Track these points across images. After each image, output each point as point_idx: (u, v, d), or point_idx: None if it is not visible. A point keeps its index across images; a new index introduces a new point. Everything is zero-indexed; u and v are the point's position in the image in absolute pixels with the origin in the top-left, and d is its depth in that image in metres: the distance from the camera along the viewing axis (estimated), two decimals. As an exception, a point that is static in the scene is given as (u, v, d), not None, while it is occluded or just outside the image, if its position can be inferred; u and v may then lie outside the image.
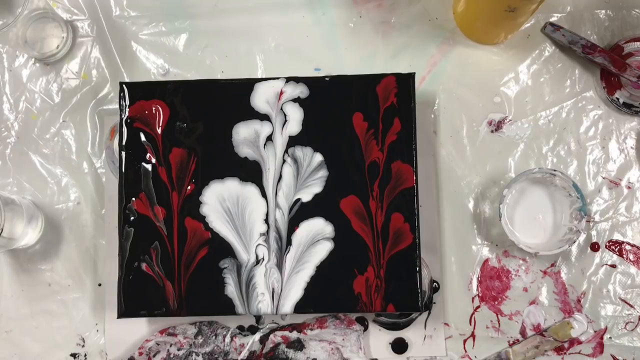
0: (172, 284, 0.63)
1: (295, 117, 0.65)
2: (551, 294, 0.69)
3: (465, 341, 0.69)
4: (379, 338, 0.69)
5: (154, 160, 0.65)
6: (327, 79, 0.66)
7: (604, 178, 0.71)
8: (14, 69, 0.74)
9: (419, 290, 0.63)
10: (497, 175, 0.71)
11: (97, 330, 0.70)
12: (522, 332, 0.69)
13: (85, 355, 0.70)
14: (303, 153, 0.65)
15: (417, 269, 0.63)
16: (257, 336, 0.68)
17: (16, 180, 0.72)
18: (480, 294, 0.69)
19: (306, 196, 0.64)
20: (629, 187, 0.71)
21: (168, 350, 0.68)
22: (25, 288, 0.71)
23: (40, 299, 0.70)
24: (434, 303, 0.69)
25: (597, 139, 0.71)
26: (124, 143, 0.65)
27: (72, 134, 0.73)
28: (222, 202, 0.64)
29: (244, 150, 0.65)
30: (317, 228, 0.64)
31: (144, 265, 0.64)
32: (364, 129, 0.65)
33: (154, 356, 0.68)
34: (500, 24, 0.68)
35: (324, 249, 0.64)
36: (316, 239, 0.64)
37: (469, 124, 0.72)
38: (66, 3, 0.74)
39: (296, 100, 0.65)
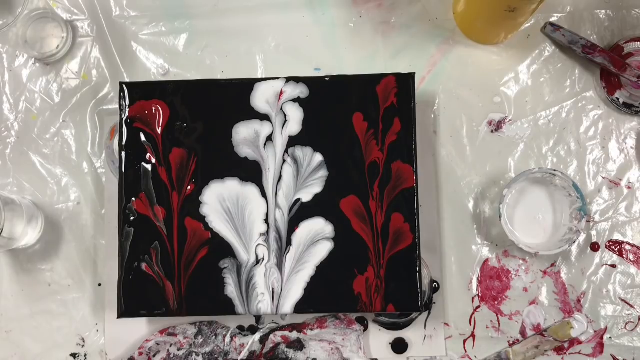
0: (172, 284, 0.63)
1: (295, 117, 0.65)
2: (551, 294, 0.69)
3: (465, 341, 0.69)
4: (379, 338, 0.69)
5: (154, 160, 0.65)
6: (327, 79, 0.66)
7: (604, 178, 0.71)
8: (14, 69, 0.74)
9: (419, 290, 0.63)
10: (497, 175, 0.71)
11: (97, 330, 0.70)
12: (522, 332, 0.69)
13: (85, 355, 0.70)
14: (303, 153, 0.65)
15: (417, 269, 0.63)
16: (257, 336, 0.68)
17: (16, 180, 0.72)
18: (480, 294, 0.69)
19: (306, 196, 0.64)
20: (629, 187, 0.71)
21: (168, 350, 0.68)
22: (25, 288, 0.71)
23: (40, 299, 0.70)
24: (434, 303, 0.69)
25: (597, 139, 0.71)
26: (124, 143, 0.65)
27: (72, 134, 0.73)
28: (222, 202, 0.64)
29: (244, 150, 0.65)
30: (317, 228, 0.64)
31: (144, 265, 0.64)
32: (364, 129, 0.65)
33: (154, 356, 0.68)
34: (500, 24, 0.68)
35: (324, 249, 0.64)
36: (316, 239, 0.64)
37: (469, 124, 0.72)
38: (66, 3, 0.74)
39: (296, 100, 0.65)
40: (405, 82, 0.65)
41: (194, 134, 0.65)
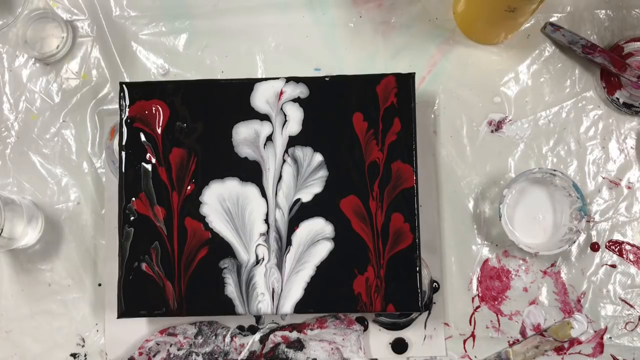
0: (172, 284, 0.63)
1: (295, 117, 0.65)
2: (551, 294, 0.69)
3: (465, 341, 0.69)
4: (379, 338, 0.69)
5: (154, 160, 0.65)
6: (327, 79, 0.66)
7: (604, 178, 0.71)
8: (14, 69, 0.74)
9: (419, 290, 0.63)
10: (497, 175, 0.71)
11: (97, 330, 0.70)
12: (522, 332, 0.69)
13: (85, 355, 0.70)
14: (303, 153, 0.65)
15: (417, 269, 0.63)
16: (257, 336, 0.68)
17: (16, 180, 0.72)
18: (480, 294, 0.69)
19: (306, 196, 0.64)
20: (629, 187, 0.71)
21: (168, 350, 0.68)
22: (25, 288, 0.71)
23: (40, 299, 0.70)
24: (434, 303, 0.69)
25: (597, 139, 0.71)
26: (124, 143, 0.65)
27: (72, 134, 0.73)
28: (222, 202, 0.64)
29: (244, 150, 0.65)
30: (317, 228, 0.64)
31: (144, 265, 0.64)
32: (364, 129, 0.65)
33: (154, 356, 0.68)
34: (500, 24, 0.68)
35: (324, 249, 0.64)
36: (316, 239, 0.64)
37: (469, 124, 0.72)
38: (66, 3, 0.74)
39: (296, 100, 0.65)
40: (405, 82, 0.65)
41: (194, 134, 0.65)
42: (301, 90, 0.66)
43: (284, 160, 0.65)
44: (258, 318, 0.69)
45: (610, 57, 0.70)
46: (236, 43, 0.74)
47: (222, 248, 0.64)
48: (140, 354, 0.68)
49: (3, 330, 0.70)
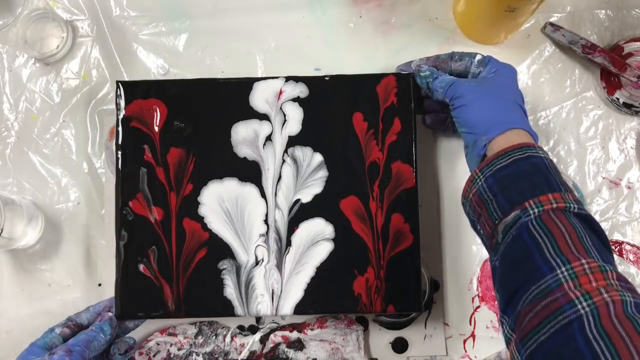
0: (170, 285, 0.63)
1: (295, 117, 0.65)
2: (551, 294, 0.69)
3: (465, 341, 0.69)
4: (379, 338, 0.69)
5: (151, 161, 0.64)
6: (327, 78, 0.66)
7: (604, 178, 0.71)
8: (14, 69, 0.74)
9: (419, 290, 0.63)
10: (497, 176, 0.71)
11: (97, 330, 0.70)
12: (522, 333, 0.69)
13: (85, 355, 0.70)
14: (303, 153, 0.65)
15: (418, 269, 0.63)
16: (258, 336, 0.68)
17: (16, 180, 0.72)
18: (480, 294, 0.69)
19: (306, 196, 0.64)
20: (629, 187, 0.71)
21: (168, 350, 0.68)
22: (25, 288, 0.71)
23: (40, 299, 0.70)
24: (434, 303, 0.69)
25: (597, 139, 0.71)
26: (120, 142, 0.64)
27: (72, 134, 0.73)
28: (221, 203, 0.64)
29: (243, 150, 0.65)
30: (317, 229, 0.64)
31: (141, 267, 0.63)
32: (364, 129, 0.65)
33: (154, 356, 0.68)
34: (500, 24, 0.68)
35: (324, 249, 0.64)
36: (316, 239, 0.64)
37: (469, 124, 0.72)
38: (66, 3, 0.74)
39: (296, 99, 0.65)
40: (405, 82, 0.65)
41: (192, 133, 0.65)
42: (301, 90, 0.65)
43: (284, 161, 0.65)
44: (258, 318, 0.69)
45: (610, 57, 0.70)
46: (236, 43, 0.74)
47: (221, 249, 0.63)
48: (141, 353, 0.68)
49: (3, 330, 0.70)
